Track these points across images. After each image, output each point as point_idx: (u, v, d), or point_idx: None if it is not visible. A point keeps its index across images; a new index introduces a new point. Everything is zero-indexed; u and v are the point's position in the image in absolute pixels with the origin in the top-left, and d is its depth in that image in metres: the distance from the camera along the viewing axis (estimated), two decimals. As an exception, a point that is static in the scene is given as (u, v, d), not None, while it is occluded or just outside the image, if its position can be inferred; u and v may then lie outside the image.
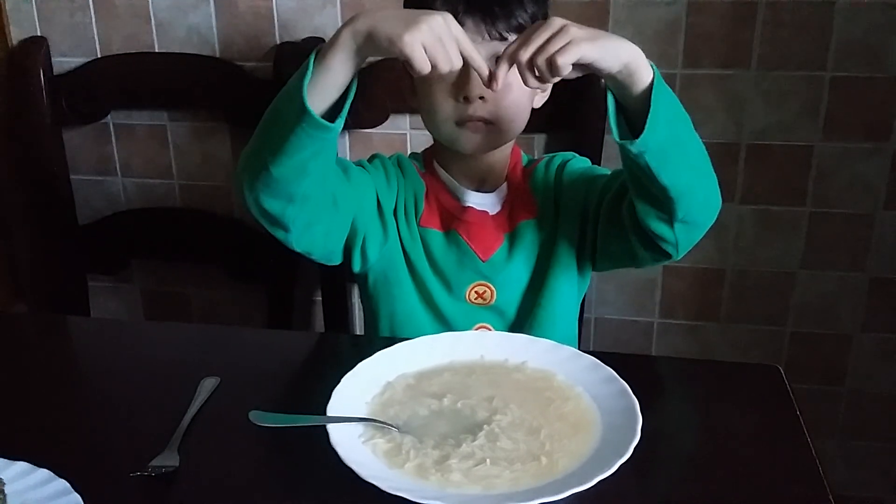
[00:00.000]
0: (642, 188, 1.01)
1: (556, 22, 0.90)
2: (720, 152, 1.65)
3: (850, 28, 1.54)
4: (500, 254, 1.19)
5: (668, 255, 1.08)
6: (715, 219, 1.08)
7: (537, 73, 0.91)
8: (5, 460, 0.84)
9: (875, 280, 1.69)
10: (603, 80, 0.95)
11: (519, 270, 1.20)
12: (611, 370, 0.93)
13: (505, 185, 1.21)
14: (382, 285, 1.20)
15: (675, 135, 0.97)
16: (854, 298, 1.71)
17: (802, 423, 0.92)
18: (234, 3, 1.67)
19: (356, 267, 1.19)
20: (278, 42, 1.69)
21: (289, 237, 1.06)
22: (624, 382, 0.90)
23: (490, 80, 0.96)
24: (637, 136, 0.93)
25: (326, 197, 1.06)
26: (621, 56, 0.92)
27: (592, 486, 0.76)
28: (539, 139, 1.68)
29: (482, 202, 1.20)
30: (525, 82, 0.92)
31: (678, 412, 0.92)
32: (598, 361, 0.95)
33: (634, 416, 0.84)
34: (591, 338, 1.78)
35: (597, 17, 1.59)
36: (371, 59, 1.63)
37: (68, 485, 0.80)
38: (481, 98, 1.08)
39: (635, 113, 0.95)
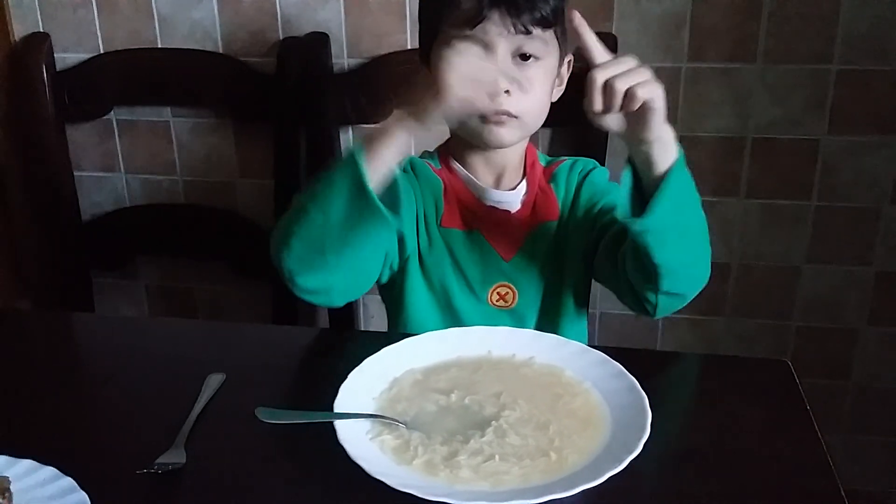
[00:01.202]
0: (636, 258, 1.01)
1: (633, 59, 0.90)
2: (725, 146, 1.64)
3: (856, 21, 1.53)
4: (523, 254, 1.18)
5: (647, 312, 1.09)
6: (699, 292, 1.09)
7: (605, 98, 0.90)
8: (11, 458, 0.83)
9: (881, 274, 1.69)
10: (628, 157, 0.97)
11: (540, 272, 1.19)
12: (619, 365, 0.92)
13: (524, 182, 1.20)
14: (398, 293, 1.19)
15: (680, 219, 0.97)
16: (860, 292, 1.71)
17: (812, 417, 0.91)
18: (238, -2, 1.67)
19: (382, 280, 1.19)
20: (281, 37, 1.69)
21: (332, 301, 1.07)
22: (633, 378, 0.90)
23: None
24: (643, 214, 0.93)
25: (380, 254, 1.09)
26: (666, 122, 0.93)
27: (602, 483, 0.75)
28: (544, 133, 1.67)
29: (504, 200, 1.18)
30: (591, 104, 0.91)
31: (687, 407, 0.91)
32: (607, 357, 0.94)
33: (644, 411, 0.84)
34: (596, 333, 1.78)
35: (602, 11, 1.58)
36: (375, 52, 1.64)
37: (74, 483, 0.80)
38: (506, 92, 1.08)
39: (647, 188, 0.96)
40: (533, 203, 1.19)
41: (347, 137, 1.73)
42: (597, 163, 1.26)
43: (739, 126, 1.63)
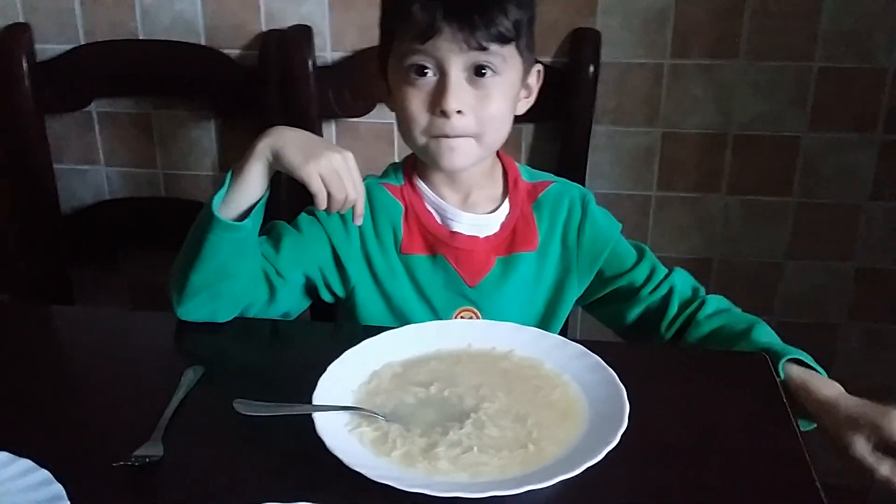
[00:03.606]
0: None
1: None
2: (708, 142, 1.65)
3: (838, 18, 1.54)
4: (490, 279, 1.15)
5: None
6: None
7: None
8: (-14, 450, 0.82)
9: (862, 270, 1.70)
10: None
11: (510, 298, 1.16)
12: (598, 358, 0.92)
13: (507, 204, 1.17)
14: (352, 314, 1.18)
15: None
16: (841, 288, 1.72)
17: (790, 411, 0.92)
18: (220, -10, 1.66)
19: (327, 300, 1.18)
20: (264, 30, 1.68)
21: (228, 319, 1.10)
22: (611, 370, 0.90)
23: None
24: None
25: (258, 292, 1.10)
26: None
27: (580, 474, 0.75)
28: (527, 129, 1.67)
29: (475, 224, 1.15)
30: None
31: (665, 400, 0.91)
32: (586, 349, 0.94)
33: (622, 403, 0.84)
34: (578, 326, 1.78)
35: (586, 8, 1.58)
36: (358, 46, 1.63)
37: (50, 475, 0.79)
38: (459, 112, 1.04)
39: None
40: (512, 229, 1.16)
41: (331, 131, 1.73)
42: (584, 190, 1.22)
43: (721, 122, 1.63)
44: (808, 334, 1.75)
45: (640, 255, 1.20)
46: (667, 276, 1.18)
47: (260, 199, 1.04)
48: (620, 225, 1.21)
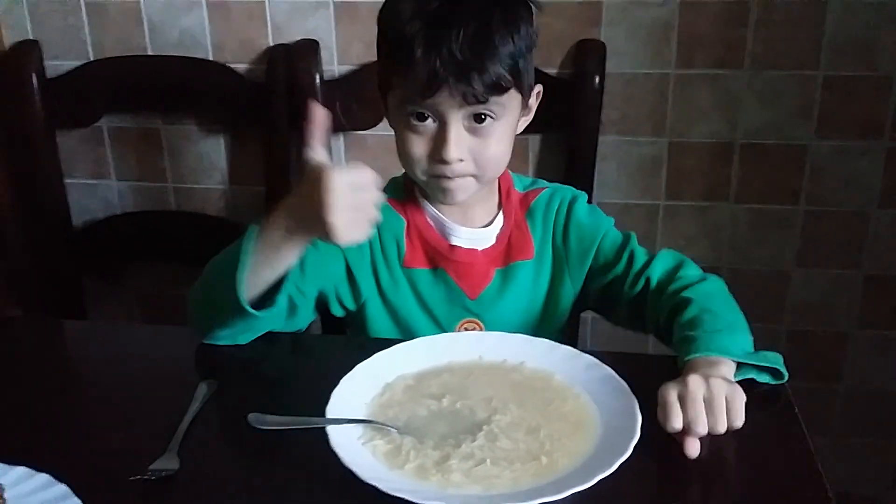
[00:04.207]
0: None
1: (696, 389, 0.85)
2: (714, 152, 1.66)
3: (843, 27, 1.54)
4: (490, 290, 1.16)
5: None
6: None
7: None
8: (4, 465, 0.83)
9: (870, 277, 1.70)
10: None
11: (510, 307, 1.17)
12: (610, 369, 0.93)
13: (501, 216, 1.18)
14: (361, 327, 1.18)
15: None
16: (849, 296, 1.72)
17: (801, 421, 0.92)
18: (227, 5, 1.67)
19: (337, 314, 1.19)
20: (271, 44, 1.69)
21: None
22: (623, 381, 0.90)
23: None
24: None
25: (280, 318, 1.08)
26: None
27: (593, 486, 0.76)
28: (534, 140, 1.68)
29: (473, 238, 1.16)
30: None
31: (677, 411, 0.92)
32: (597, 360, 0.95)
33: (634, 415, 0.84)
34: (588, 336, 1.79)
35: (591, 18, 1.59)
36: (365, 59, 1.64)
37: (69, 489, 0.80)
38: (460, 159, 1.05)
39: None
40: (507, 240, 1.17)
41: (339, 144, 1.74)
42: (575, 192, 1.22)
43: (728, 131, 1.64)
44: (816, 342, 1.75)
45: (623, 245, 1.17)
46: (645, 265, 1.14)
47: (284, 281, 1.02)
48: (611, 219, 1.20)
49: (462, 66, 1.00)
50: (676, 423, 0.84)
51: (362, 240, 0.94)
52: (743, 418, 0.85)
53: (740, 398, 0.86)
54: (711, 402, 0.85)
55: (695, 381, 0.85)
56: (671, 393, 0.85)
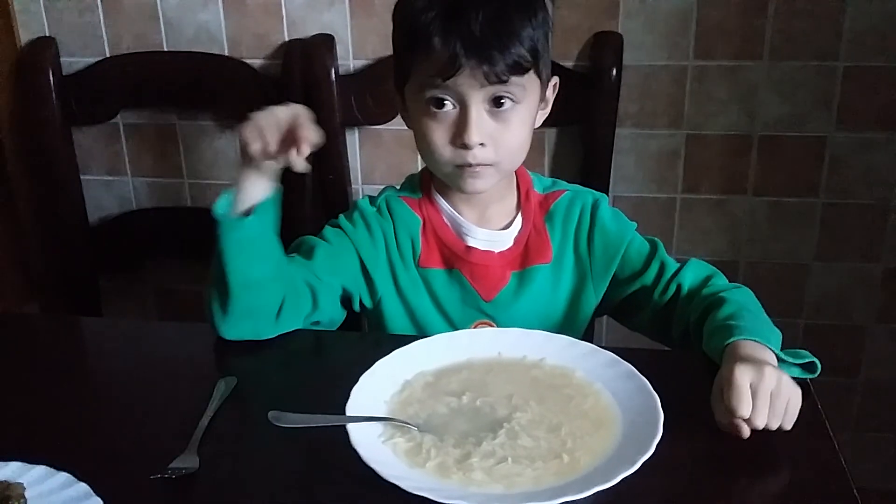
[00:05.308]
0: None
1: (770, 383, 0.85)
2: (733, 144, 1.64)
3: (862, 17, 1.53)
4: (506, 293, 1.16)
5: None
6: None
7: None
8: (25, 464, 0.83)
9: (889, 271, 1.69)
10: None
11: (526, 311, 1.16)
12: (630, 366, 0.92)
13: (519, 218, 1.17)
14: (379, 326, 1.19)
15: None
16: (868, 289, 1.71)
17: (824, 415, 0.91)
18: (243, 0, 1.67)
19: (357, 310, 1.19)
20: (287, 39, 1.69)
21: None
22: (644, 378, 0.89)
23: None
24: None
25: (300, 303, 1.09)
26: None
27: (615, 484, 0.75)
28: (550, 134, 1.67)
29: (489, 240, 1.16)
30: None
31: (699, 407, 0.91)
32: (618, 357, 0.94)
33: (656, 412, 0.84)
34: (604, 333, 1.78)
35: (608, 10, 1.58)
36: (380, 53, 1.64)
37: (89, 488, 0.80)
38: (481, 143, 1.05)
39: None
40: (525, 243, 1.17)
41: (354, 138, 1.73)
42: (596, 195, 1.21)
43: (746, 124, 1.63)
44: (835, 336, 1.74)
45: (652, 254, 1.17)
46: (675, 273, 1.14)
47: (263, 200, 1.04)
48: (634, 224, 1.19)
49: (483, 45, 1.00)
50: (746, 410, 0.84)
51: (257, 148, 1.01)
52: (793, 423, 0.86)
53: (797, 403, 0.86)
54: (775, 401, 0.85)
55: (770, 374, 0.85)
56: (746, 378, 0.85)
